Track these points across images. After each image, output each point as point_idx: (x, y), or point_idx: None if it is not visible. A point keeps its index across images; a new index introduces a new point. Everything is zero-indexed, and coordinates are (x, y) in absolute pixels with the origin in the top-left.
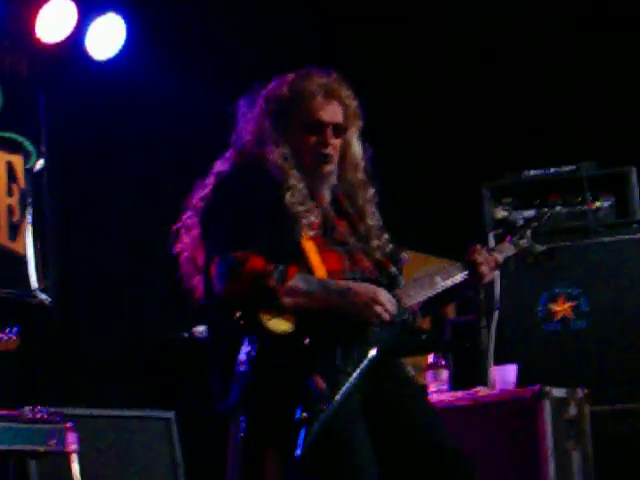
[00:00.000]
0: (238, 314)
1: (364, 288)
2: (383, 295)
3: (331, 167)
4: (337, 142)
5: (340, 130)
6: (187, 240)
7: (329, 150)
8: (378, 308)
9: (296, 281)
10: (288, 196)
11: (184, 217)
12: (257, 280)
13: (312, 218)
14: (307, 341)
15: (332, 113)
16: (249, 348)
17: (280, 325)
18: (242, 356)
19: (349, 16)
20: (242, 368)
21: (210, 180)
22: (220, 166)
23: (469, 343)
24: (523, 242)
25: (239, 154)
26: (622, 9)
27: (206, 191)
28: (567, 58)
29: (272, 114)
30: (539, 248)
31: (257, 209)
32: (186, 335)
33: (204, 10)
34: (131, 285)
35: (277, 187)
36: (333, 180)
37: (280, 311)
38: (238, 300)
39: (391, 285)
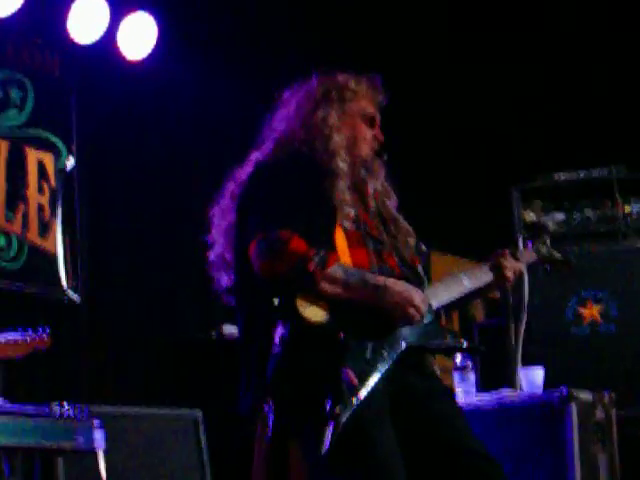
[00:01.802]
0: (275, 301)
1: (401, 287)
2: (418, 296)
3: (377, 164)
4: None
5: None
6: (221, 226)
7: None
8: (411, 310)
9: (335, 269)
10: (335, 182)
11: (219, 203)
12: (298, 262)
13: (350, 210)
14: (341, 334)
15: (378, 115)
16: (283, 331)
17: (315, 314)
18: (276, 339)
19: (382, 18)
20: (276, 350)
21: (248, 169)
22: (257, 155)
23: (484, 347)
24: (543, 249)
25: (279, 143)
26: None
27: (243, 178)
28: (599, 61)
29: (334, 102)
30: (556, 256)
31: (299, 193)
32: (214, 334)
33: (235, 9)
34: (160, 284)
35: (323, 173)
36: (376, 177)
37: (316, 298)
38: (276, 279)
39: (417, 284)
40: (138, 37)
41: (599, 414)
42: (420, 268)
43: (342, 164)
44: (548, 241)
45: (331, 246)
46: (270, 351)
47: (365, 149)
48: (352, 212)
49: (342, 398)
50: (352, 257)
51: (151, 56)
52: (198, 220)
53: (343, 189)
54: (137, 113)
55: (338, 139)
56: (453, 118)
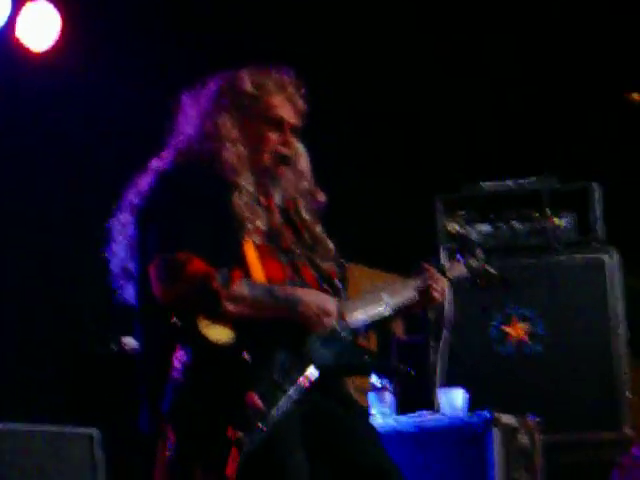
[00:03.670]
0: (174, 319)
1: (313, 296)
2: (331, 304)
3: (289, 169)
4: (294, 144)
5: (296, 133)
6: (121, 240)
7: (289, 151)
8: (325, 319)
9: (241, 286)
10: (236, 197)
11: (118, 215)
12: (199, 283)
13: (258, 223)
14: (246, 356)
15: (292, 114)
16: (182, 353)
17: (218, 334)
18: (176, 362)
19: (296, 14)
20: (175, 374)
21: (148, 178)
22: (159, 164)
23: (414, 370)
24: (475, 263)
25: (180, 152)
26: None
27: (144, 189)
28: (530, 69)
29: (230, 109)
30: (492, 271)
31: (201, 209)
32: (114, 348)
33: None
34: (56, 294)
35: (224, 187)
36: (285, 184)
37: (220, 318)
38: (178, 303)
39: (335, 297)
40: (38, 27)
41: (523, 439)
42: (337, 281)
43: (240, 177)
44: (481, 254)
45: (241, 262)
46: (170, 374)
47: (267, 157)
48: (260, 225)
49: (246, 424)
50: (265, 272)
51: (52, 48)
52: (99, 222)
53: (243, 203)
54: (36, 109)
55: (233, 151)
56: (375, 125)
